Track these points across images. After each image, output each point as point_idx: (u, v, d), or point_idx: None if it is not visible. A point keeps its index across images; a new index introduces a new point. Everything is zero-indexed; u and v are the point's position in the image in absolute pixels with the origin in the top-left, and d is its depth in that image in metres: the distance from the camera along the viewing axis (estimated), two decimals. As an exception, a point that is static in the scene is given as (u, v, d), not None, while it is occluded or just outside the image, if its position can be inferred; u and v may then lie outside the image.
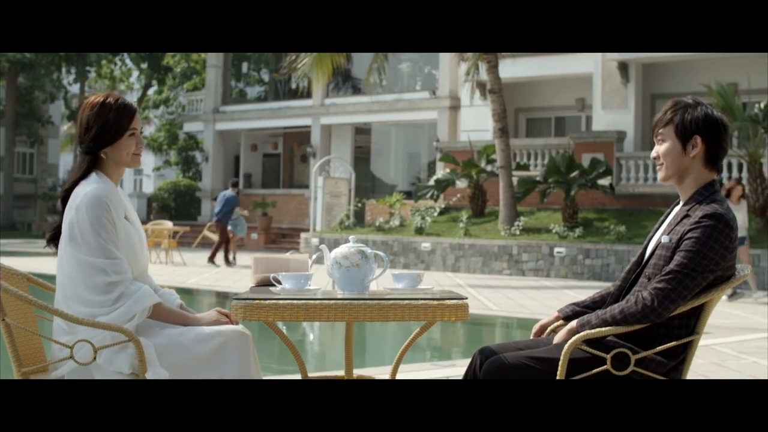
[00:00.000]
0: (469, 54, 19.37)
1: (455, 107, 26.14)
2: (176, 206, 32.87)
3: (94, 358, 2.93)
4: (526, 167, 20.71)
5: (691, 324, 3.03)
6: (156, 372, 2.93)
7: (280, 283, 3.08)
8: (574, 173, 18.52)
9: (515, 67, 22.21)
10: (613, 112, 22.32)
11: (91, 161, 3.13)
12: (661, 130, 3.10)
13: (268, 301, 2.82)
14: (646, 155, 20.41)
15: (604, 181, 18.19)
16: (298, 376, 4.72)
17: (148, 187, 46.92)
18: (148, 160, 47.76)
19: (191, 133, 37.24)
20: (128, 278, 3.02)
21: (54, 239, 3.17)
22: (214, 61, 32.90)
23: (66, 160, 46.14)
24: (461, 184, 20.89)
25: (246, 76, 38.39)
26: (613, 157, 20.51)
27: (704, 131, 3.03)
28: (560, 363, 2.88)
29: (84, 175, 3.12)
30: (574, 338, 2.90)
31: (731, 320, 10.71)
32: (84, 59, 36.50)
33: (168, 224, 20.70)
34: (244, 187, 32.49)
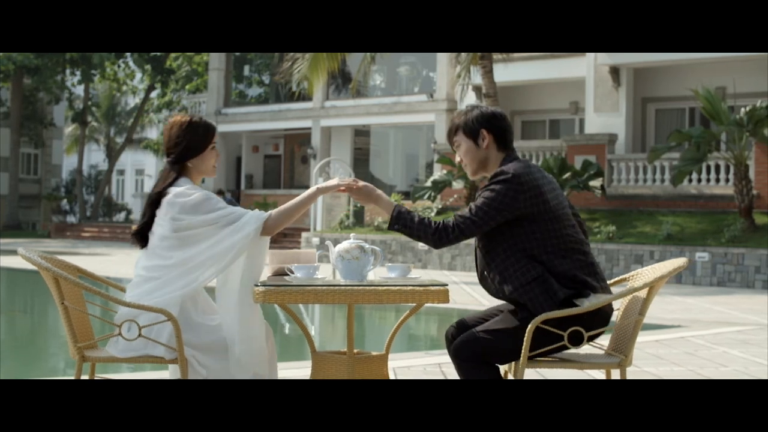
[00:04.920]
0: (463, 57, 19.86)
1: (452, 110, 26.64)
2: (179, 206, 33.32)
3: (140, 334, 3.53)
4: (520, 169, 21.18)
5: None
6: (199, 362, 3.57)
7: (292, 272, 3.68)
8: (567, 175, 19.02)
9: (510, 71, 22.73)
10: (605, 116, 22.85)
11: (179, 171, 3.72)
12: (455, 138, 3.71)
13: (283, 287, 3.41)
14: (636, 157, 20.93)
15: (596, 183, 18.71)
16: (305, 364, 5.31)
17: (150, 187, 47.37)
18: (150, 161, 48.27)
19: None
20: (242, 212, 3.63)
21: (138, 233, 3.73)
22: (216, 64, 33.39)
23: (70, 162, 46.61)
24: (458, 185, 21.38)
25: (247, 79, 38.87)
26: (605, 159, 21.05)
27: (486, 124, 3.64)
28: (525, 340, 3.48)
29: (173, 182, 3.69)
30: (535, 319, 3.49)
31: (711, 315, 11.20)
32: (88, 61, 36.97)
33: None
34: (245, 187, 33.03)
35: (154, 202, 3.69)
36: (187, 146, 3.70)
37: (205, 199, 3.60)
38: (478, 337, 3.52)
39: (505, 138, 3.69)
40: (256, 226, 3.56)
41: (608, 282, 3.98)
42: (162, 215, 3.64)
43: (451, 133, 3.73)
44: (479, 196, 3.53)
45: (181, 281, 3.59)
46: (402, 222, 3.54)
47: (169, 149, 3.74)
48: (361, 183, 3.64)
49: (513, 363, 3.59)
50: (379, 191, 3.65)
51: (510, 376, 3.66)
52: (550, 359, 3.63)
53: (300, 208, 3.67)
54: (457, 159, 3.75)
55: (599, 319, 3.55)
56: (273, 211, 3.64)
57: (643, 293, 3.65)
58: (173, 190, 3.64)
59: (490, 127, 3.66)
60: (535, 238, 3.51)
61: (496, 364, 3.57)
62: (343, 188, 3.63)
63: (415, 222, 3.54)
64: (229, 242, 3.55)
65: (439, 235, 3.52)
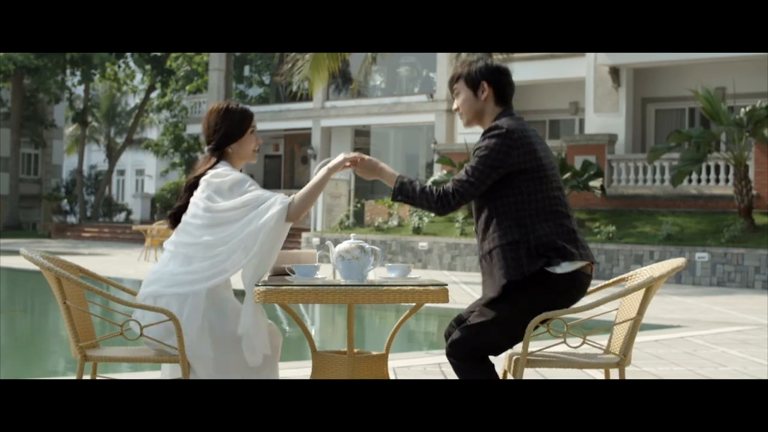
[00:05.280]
0: (463, 57, 19.89)
1: (452, 110, 26.67)
2: (179, 206, 33.36)
3: (141, 334, 3.55)
4: (520, 169, 21.23)
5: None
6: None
7: (293, 272, 3.70)
8: (567, 175, 19.06)
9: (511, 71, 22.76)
10: (605, 116, 22.88)
11: (219, 156, 3.76)
12: (455, 86, 3.73)
13: (284, 287, 3.42)
14: (637, 158, 20.97)
15: (596, 183, 18.73)
16: (306, 364, 5.32)
17: (150, 188, 47.44)
18: (150, 162, 48.28)
19: (194, 135, 37.81)
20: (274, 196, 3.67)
21: (173, 215, 3.77)
22: (216, 64, 33.42)
23: (70, 162, 46.64)
24: (458, 185, 21.39)
25: (247, 79, 38.88)
26: (605, 159, 21.08)
27: (488, 76, 3.67)
28: (524, 341, 3.50)
29: (212, 167, 3.72)
30: (534, 319, 3.50)
31: (711, 315, 11.23)
32: (88, 62, 37.00)
33: (173, 224, 21.26)
34: (245, 187, 33.02)
35: (191, 185, 3.73)
36: (226, 132, 3.75)
37: (240, 181, 3.66)
38: (468, 334, 3.54)
39: (505, 93, 3.72)
40: (281, 208, 3.59)
41: (607, 282, 4.01)
42: (198, 194, 3.69)
43: (453, 80, 3.75)
44: (474, 156, 3.57)
45: (208, 271, 3.60)
46: (404, 193, 3.60)
47: (208, 136, 3.79)
48: (366, 157, 3.70)
49: (513, 363, 3.61)
50: (383, 164, 3.71)
51: (510, 376, 3.68)
52: (549, 359, 3.64)
53: (316, 191, 3.70)
54: (454, 106, 3.78)
55: (576, 290, 3.55)
56: (295, 196, 3.68)
57: (641, 293, 3.67)
58: (211, 172, 3.70)
59: (491, 80, 3.68)
60: (522, 199, 3.53)
61: (492, 362, 3.58)
62: (348, 164, 3.68)
63: (417, 192, 3.58)
64: (255, 225, 3.58)
65: (441, 203, 3.56)
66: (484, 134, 3.58)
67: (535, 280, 3.48)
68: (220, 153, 3.77)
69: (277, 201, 3.61)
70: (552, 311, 3.48)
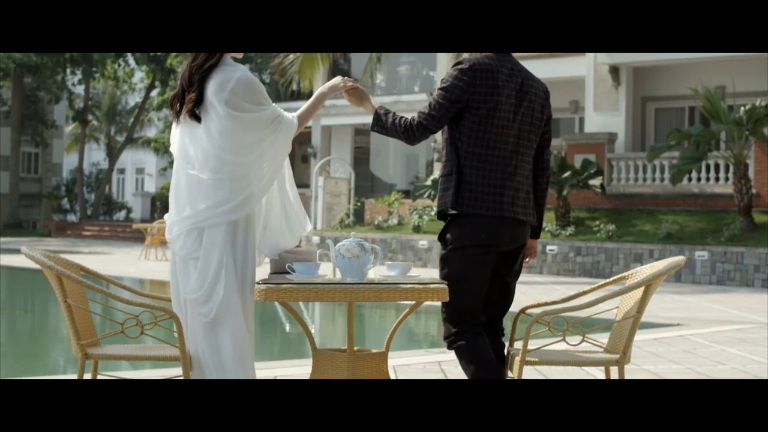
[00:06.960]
0: (465, 57, 19.86)
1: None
2: (179, 205, 33.32)
3: (142, 332, 3.57)
4: (520, 168, 21.23)
5: None
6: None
7: (293, 270, 3.71)
8: (567, 173, 19.08)
9: (510, 71, 22.76)
10: (605, 115, 22.89)
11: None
12: None
13: (284, 285, 3.44)
14: (636, 156, 20.98)
15: (596, 182, 18.74)
16: (306, 362, 5.34)
17: (150, 186, 47.45)
18: (150, 160, 48.29)
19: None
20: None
21: (192, 111, 3.66)
22: (216, 63, 33.37)
23: (70, 160, 46.64)
24: (458, 184, 21.38)
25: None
26: (605, 158, 21.09)
27: None
28: (524, 339, 3.53)
29: (218, 60, 3.65)
30: (536, 315, 3.54)
31: (710, 313, 11.27)
32: (89, 60, 36.99)
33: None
34: (245, 186, 33.01)
35: (201, 80, 3.64)
36: None
37: (253, 84, 3.65)
38: (445, 305, 3.65)
39: None
40: (291, 133, 3.71)
41: (607, 280, 4.03)
42: (213, 100, 3.61)
43: None
44: (438, 88, 3.73)
45: (236, 199, 3.61)
46: (379, 125, 3.80)
47: None
48: (360, 87, 3.90)
49: (512, 360, 3.63)
50: (370, 97, 3.90)
51: (510, 375, 3.69)
52: (549, 356, 3.66)
53: (314, 110, 3.82)
54: None
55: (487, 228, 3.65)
56: (298, 116, 3.77)
57: (640, 291, 3.69)
58: (219, 70, 3.64)
59: None
60: (461, 138, 3.70)
61: (485, 336, 3.64)
62: (342, 87, 3.84)
63: (388, 124, 3.77)
64: (274, 152, 3.70)
65: (407, 134, 3.75)
66: (452, 66, 3.74)
67: (457, 217, 3.66)
68: None
69: (287, 124, 3.69)
70: (538, 307, 3.52)
